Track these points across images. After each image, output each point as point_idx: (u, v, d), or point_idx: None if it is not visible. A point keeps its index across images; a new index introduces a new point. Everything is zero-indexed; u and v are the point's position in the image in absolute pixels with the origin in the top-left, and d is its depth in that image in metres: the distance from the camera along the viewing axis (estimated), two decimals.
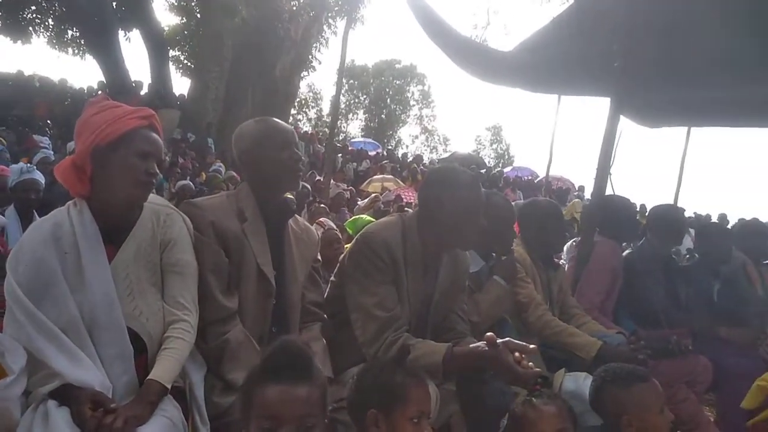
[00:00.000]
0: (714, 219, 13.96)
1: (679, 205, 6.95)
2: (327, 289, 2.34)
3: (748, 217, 4.65)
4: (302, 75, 18.04)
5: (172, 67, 17.37)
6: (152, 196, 1.87)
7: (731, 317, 3.54)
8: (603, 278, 3.28)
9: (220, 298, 1.87)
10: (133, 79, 15.40)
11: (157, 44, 15.98)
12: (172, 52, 17.70)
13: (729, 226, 6.35)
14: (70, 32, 16.04)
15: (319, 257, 2.32)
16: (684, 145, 6.34)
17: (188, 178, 9.99)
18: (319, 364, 1.93)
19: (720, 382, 3.20)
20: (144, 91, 15.14)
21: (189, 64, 17.81)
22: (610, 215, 3.56)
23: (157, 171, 1.75)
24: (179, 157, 11.40)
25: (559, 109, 6.14)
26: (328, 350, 2.12)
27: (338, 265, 2.24)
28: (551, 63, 4.72)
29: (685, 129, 6.23)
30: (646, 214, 4.10)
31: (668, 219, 3.69)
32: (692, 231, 9.61)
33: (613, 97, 3.77)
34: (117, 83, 14.42)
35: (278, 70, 15.40)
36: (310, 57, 17.47)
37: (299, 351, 1.37)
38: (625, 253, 3.71)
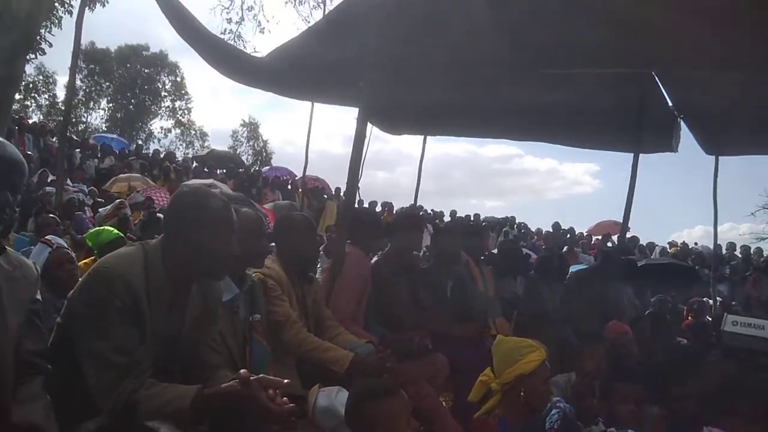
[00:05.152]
0: (447, 216, 15.80)
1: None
2: (54, 328, 2.03)
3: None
4: (29, 57, 15.58)
5: None
6: None
7: (462, 313, 4.02)
8: (353, 287, 3.45)
9: None
10: None
11: None
12: None
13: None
14: None
15: (39, 296, 1.99)
16: (421, 151, 6.95)
17: None
18: (44, 427, 1.67)
19: (455, 375, 3.60)
20: None
21: None
22: (358, 225, 3.76)
23: None
24: None
25: (313, 114, 6.33)
26: (57, 403, 1.83)
27: (66, 303, 1.94)
28: (304, 72, 4.81)
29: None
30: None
31: (406, 223, 4.03)
32: (430, 227, 10.72)
33: (361, 107, 3.97)
34: None
35: None
36: (38, 38, 15.17)
37: None
38: (373, 261, 3.96)
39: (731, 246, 14.91)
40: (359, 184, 4.10)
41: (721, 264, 12.10)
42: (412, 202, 7.18)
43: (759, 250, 15.47)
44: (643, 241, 15.27)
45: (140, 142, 24.79)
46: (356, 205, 4.20)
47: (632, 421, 2.66)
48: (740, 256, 14.24)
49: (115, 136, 21.64)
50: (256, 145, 35.47)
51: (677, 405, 2.89)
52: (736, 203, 31.59)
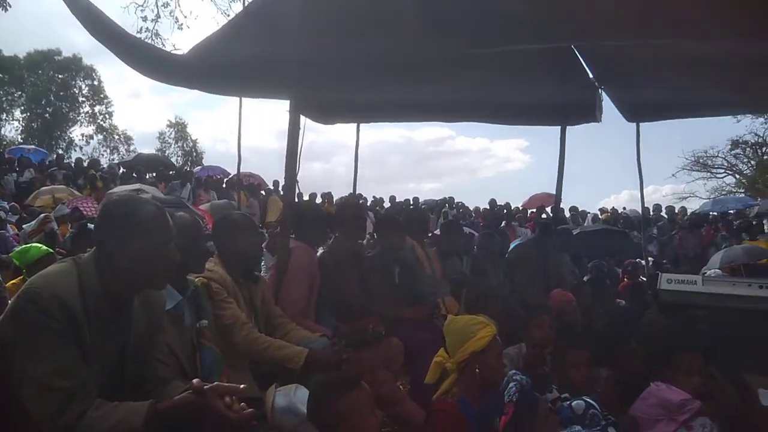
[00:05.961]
0: (387, 202, 15.88)
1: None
2: None
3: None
4: None
5: None
6: None
7: (411, 297, 4.05)
8: (302, 282, 3.41)
9: None
10: None
11: None
12: None
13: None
14: None
15: None
16: (356, 139, 6.90)
17: None
18: None
19: (410, 359, 3.63)
20: None
21: None
22: (301, 219, 3.71)
23: None
24: None
25: (242, 110, 6.14)
26: None
27: None
28: (228, 67, 4.67)
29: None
30: None
31: (349, 214, 4.01)
32: (371, 214, 10.75)
33: (292, 99, 3.89)
34: None
35: None
36: None
37: None
38: (319, 253, 3.93)
39: (657, 207, 15.76)
40: (297, 177, 4.04)
41: (649, 225, 12.74)
42: (352, 191, 7.15)
43: (683, 209, 16.41)
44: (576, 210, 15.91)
45: (61, 152, 23.62)
46: (296, 199, 4.13)
47: (583, 385, 2.76)
48: (666, 216, 15.06)
49: (32, 147, 20.43)
50: (185, 145, 34.39)
51: (624, 365, 3.01)
52: (658, 166, 33.34)
